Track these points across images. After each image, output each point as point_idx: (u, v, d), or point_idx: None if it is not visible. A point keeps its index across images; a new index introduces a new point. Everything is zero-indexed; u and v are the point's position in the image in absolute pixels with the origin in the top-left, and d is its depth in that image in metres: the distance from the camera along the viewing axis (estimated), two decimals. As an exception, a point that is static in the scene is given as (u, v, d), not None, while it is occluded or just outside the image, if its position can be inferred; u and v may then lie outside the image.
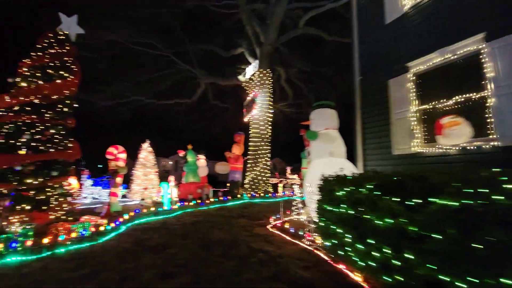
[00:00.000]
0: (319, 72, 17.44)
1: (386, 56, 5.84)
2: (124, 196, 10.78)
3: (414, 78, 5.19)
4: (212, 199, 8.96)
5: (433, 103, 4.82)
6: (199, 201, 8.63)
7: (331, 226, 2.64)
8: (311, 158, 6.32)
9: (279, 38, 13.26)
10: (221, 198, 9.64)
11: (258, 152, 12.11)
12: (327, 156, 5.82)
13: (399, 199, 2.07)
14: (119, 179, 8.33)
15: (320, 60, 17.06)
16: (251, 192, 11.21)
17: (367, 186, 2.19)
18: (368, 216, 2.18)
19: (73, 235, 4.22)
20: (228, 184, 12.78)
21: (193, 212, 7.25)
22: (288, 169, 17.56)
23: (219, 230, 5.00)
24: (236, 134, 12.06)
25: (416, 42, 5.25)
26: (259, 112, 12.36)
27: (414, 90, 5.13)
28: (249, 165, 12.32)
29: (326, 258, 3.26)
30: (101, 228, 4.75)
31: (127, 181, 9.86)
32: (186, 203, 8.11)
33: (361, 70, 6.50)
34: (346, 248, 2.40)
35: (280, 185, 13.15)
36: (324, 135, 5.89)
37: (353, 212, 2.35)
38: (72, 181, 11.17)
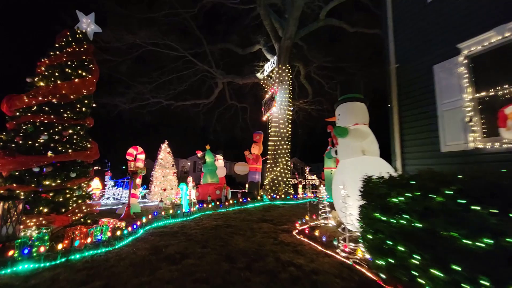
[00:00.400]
0: (341, 67, 16.55)
1: (429, 38, 5.08)
2: (143, 197, 10.78)
3: (466, 61, 4.40)
4: (231, 201, 8.60)
5: (493, 90, 4.03)
6: (218, 202, 8.30)
7: (387, 241, 2.08)
8: (339, 158, 5.71)
9: (299, 32, 12.64)
10: (240, 199, 9.26)
11: (278, 151, 11.58)
12: (359, 155, 5.19)
13: (497, 211, 1.48)
14: (138, 180, 8.25)
15: (342, 54, 16.16)
16: (271, 194, 10.71)
17: (446, 192, 1.62)
18: (449, 233, 1.61)
19: (90, 239, 4.01)
20: (247, 185, 12.39)
21: (212, 215, 6.91)
22: (307, 169, 16.83)
23: (241, 236, 4.56)
24: (255, 133, 11.65)
25: (467, 20, 4.47)
26: (279, 110, 11.83)
27: (468, 75, 4.35)
28: (268, 165, 11.84)
29: (373, 277, 2.68)
30: (118, 233, 4.52)
31: (147, 182, 9.82)
32: (205, 205, 7.81)
33: (397, 57, 5.76)
34: (412, 272, 1.83)
35: (300, 186, 12.53)
36: (354, 131, 5.24)
37: (422, 226, 1.79)
38: (96, 182, 11.42)
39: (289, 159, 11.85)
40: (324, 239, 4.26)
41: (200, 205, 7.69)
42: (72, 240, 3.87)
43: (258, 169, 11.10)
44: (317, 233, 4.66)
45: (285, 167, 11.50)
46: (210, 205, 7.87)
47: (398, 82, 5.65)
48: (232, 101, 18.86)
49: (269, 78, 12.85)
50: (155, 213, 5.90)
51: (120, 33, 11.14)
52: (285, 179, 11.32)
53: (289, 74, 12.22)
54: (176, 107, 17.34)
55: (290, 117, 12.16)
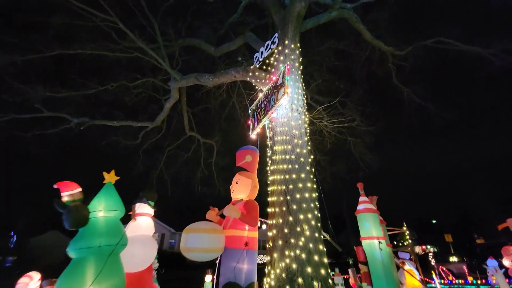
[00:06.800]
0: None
1: None
2: None
3: None
4: None
5: None
6: None
7: None
8: None
9: (305, 22, 8.34)
10: None
11: (295, 196, 4.88)
12: None
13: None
14: None
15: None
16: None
17: None
18: None
19: None
20: (206, 281, 4.70)
21: None
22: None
23: None
24: (241, 150, 5.01)
25: None
26: (289, 110, 5.87)
27: None
28: (273, 233, 4.80)
29: None
30: None
31: None
32: None
33: None
34: None
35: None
36: None
37: None
38: None
39: (319, 214, 5.11)
40: None
41: None
42: None
43: (251, 242, 3.95)
44: None
45: (315, 235, 4.62)
46: None
47: None
48: (192, 132, 12.42)
49: (262, 69, 7.44)
50: None
51: None
52: (321, 270, 4.23)
53: (300, 60, 7.03)
54: (91, 130, 10.00)
55: (307, 126, 6.20)
